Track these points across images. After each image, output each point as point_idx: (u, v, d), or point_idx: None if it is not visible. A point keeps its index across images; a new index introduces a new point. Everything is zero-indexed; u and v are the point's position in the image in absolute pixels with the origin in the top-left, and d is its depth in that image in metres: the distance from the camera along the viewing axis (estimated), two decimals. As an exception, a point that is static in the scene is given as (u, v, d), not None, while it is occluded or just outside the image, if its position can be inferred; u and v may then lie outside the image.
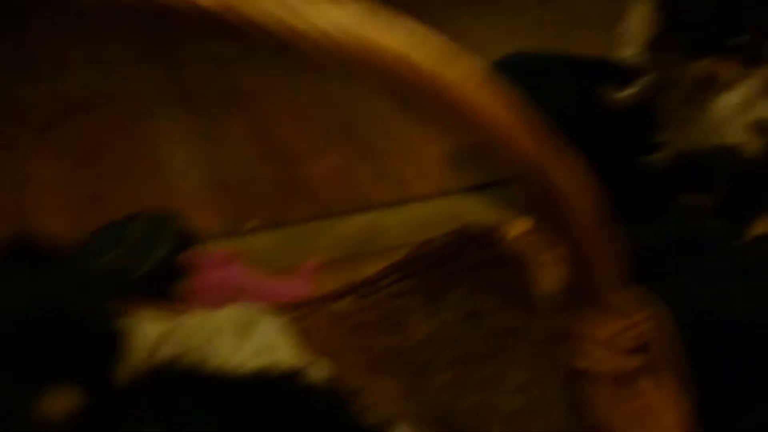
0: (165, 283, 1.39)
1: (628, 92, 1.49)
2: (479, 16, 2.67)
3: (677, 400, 0.58)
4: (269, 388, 0.91)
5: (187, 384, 0.76)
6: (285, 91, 2.41)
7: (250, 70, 2.50)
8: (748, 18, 1.30)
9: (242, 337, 1.16)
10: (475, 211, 1.89)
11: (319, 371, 1.04)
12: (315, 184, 1.89)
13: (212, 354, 1.01)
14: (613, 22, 1.61)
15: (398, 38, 0.44)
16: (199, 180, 1.92)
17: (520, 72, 1.65)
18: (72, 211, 1.81)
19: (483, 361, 0.87)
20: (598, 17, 2.09)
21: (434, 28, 0.48)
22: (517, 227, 0.80)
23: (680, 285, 0.95)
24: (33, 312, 0.54)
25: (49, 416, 0.50)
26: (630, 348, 0.55)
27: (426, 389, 1.03)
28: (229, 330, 1.16)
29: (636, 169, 1.44)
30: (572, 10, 2.66)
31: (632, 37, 1.50)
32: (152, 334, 0.91)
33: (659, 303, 0.59)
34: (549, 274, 0.69)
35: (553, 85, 1.64)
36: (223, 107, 2.30)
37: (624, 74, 1.50)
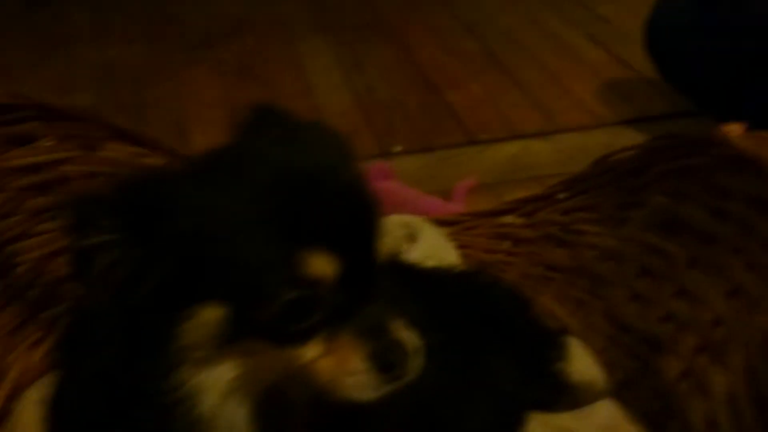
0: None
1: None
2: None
3: None
4: (458, 280, 0.93)
5: (398, 271, 0.78)
6: (428, 20, 2.40)
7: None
8: None
9: (411, 241, 1.19)
10: (626, 143, 1.85)
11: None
12: (461, 110, 1.88)
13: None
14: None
15: None
16: (347, 102, 1.95)
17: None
18: (226, 127, 1.87)
19: (681, 270, 0.85)
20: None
21: None
22: (733, 131, 0.76)
23: None
24: (299, 176, 0.55)
25: (310, 278, 0.51)
26: None
27: (601, 303, 1.02)
28: (399, 234, 1.19)
29: None
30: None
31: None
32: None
33: None
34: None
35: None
36: (367, 35, 2.31)
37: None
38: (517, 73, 2.05)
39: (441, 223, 1.29)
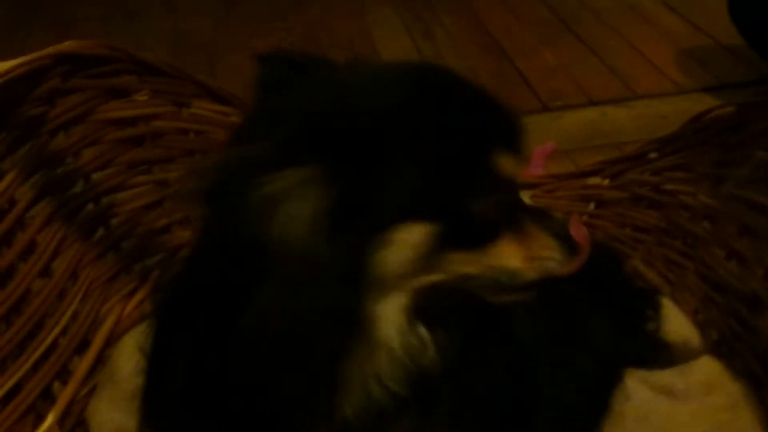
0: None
1: None
2: None
3: None
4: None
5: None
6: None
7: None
8: None
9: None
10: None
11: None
12: (534, 78, 1.85)
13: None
14: None
15: None
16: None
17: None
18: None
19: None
20: None
21: None
22: None
23: None
24: (453, 87, 0.56)
25: (504, 178, 0.54)
26: None
27: (695, 263, 0.99)
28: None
29: None
30: None
31: None
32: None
33: None
34: None
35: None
36: (435, 3, 2.29)
37: None
38: (591, 40, 2.00)
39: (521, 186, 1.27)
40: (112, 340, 0.98)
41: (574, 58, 1.92)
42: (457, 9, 2.25)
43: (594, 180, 1.21)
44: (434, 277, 0.55)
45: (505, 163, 0.54)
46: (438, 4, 2.28)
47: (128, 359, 0.93)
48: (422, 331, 0.59)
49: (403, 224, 0.51)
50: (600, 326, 0.84)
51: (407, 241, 0.52)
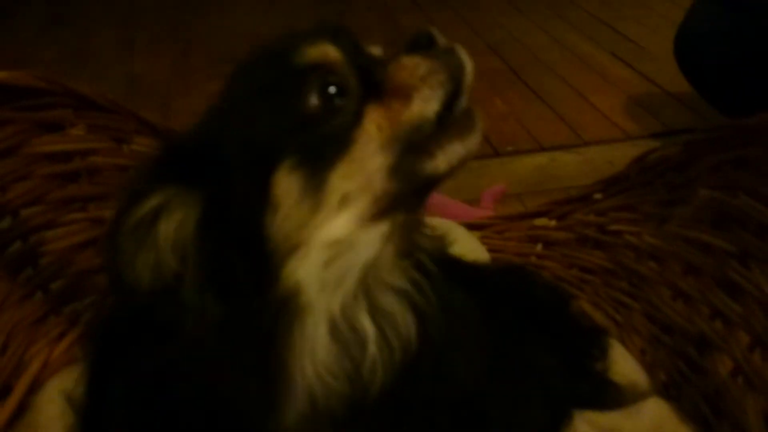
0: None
1: None
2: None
3: None
4: (498, 274, 0.90)
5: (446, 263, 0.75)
6: (450, 38, 2.40)
7: (415, 18, 2.51)
8: None
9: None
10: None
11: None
12: (487, 124, 1.85)
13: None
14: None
15: None
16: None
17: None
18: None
19: (731, 266, 0.81)
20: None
21: None
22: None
23: None
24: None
25: (318, 59, 0.56)
26: None
27: (642, 304, 0.98)
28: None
29: None
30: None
31: None
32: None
33: None
34: None
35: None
36: (389, 52, 2.32)
37: None
38: (542, 89, 2.04)
39: (471, 227, 1.26)
40: (36, 386, 0.92)
41: (524, 106, 1.95)
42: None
43: (541, 221, 1.21)
44: (340, 218, 0.54)
45: (317, 49, 0.57)
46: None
47: (51, 406, 0.87)
48: (364, 318, 0.57)
49: (268, 182, 0.53)
50: (550, 363, 0.82)
51: (279, 191, 0.53)
